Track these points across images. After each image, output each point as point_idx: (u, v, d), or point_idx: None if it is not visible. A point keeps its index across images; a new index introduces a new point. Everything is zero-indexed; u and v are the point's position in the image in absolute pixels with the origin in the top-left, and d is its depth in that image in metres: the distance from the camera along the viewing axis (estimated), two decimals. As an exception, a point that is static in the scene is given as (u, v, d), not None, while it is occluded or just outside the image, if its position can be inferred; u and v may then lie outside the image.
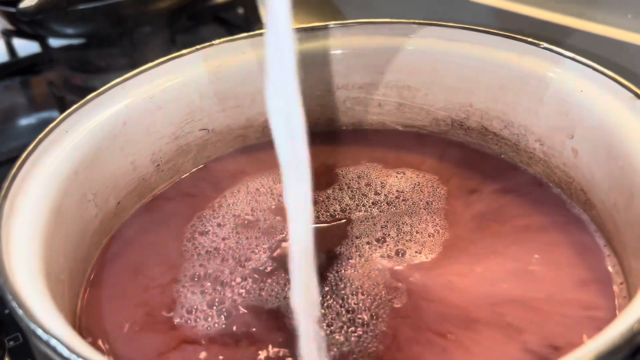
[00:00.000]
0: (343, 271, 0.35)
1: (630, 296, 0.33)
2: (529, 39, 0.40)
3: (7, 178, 0.32)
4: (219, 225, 0.40)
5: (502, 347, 0.31)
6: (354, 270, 0.35)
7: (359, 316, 0.32)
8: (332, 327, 0.31)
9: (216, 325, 0.34)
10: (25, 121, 0.81)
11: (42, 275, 0.30)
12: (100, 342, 0.34)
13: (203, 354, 0.32)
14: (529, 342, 0.31)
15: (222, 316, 0.34)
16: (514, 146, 0.43)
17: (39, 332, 0.24)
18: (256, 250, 0.38)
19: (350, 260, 0.36)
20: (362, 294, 0.33)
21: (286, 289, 0.34)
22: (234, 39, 0.45)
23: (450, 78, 0.44)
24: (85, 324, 0.35)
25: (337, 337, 0.31)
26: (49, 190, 0.34)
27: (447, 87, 0.45)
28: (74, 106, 0.38)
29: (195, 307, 0.35)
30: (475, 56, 0.42)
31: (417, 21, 0.44)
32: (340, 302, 0.32)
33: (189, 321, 0.34)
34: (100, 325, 0.35)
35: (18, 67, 0.82)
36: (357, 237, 0.38)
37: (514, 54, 0.41)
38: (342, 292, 0.33)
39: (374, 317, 0.32)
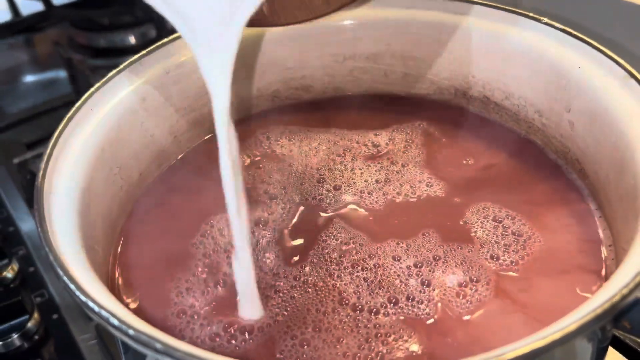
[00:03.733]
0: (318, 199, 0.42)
1: (617, 260, 0.37)
2: (531, 14, 0.42)
3: (43, 158, 0.35)
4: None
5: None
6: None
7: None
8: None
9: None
10: (31, 79, 0.82)
11: (82, 248, 0.33)
12: (132, 306, 0.37)
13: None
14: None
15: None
16: (514, 116, 0.45)
17: (91, 304, 0.27)
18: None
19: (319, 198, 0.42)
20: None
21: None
22: (244, 11, 0.46)
23: (454, 49, 0.46)
24: (117, 289, 0.38)
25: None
26: (80, 167, 0.36)
27: (451, 58, 0.46)
28: (97, 85, 0.40)
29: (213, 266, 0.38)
30: (478, 29, 0.44)
31: (423, -7, 0.45)
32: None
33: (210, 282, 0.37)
34: (130, 290, 0.38)
35: (21, 27, 0.82)
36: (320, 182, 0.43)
37: (516, 28, 0.42)
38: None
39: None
